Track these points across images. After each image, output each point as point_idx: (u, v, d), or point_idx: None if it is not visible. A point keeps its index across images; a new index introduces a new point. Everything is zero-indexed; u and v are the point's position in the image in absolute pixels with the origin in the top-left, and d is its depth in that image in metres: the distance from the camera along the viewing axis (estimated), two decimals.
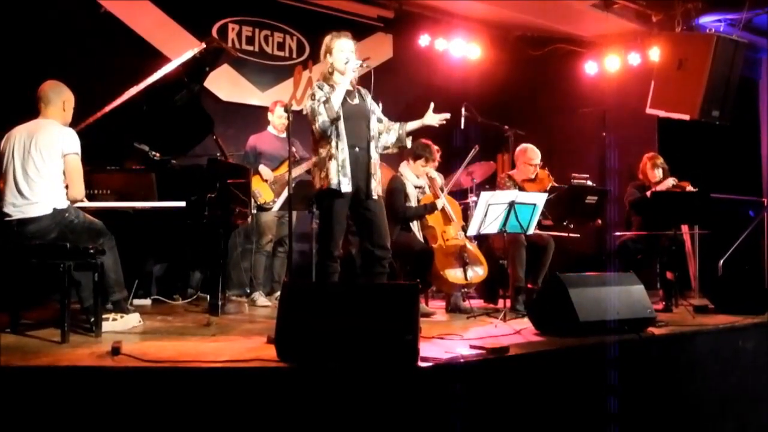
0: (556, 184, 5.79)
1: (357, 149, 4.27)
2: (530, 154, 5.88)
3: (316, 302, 3.29)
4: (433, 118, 4.39)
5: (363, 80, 4.40)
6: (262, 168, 5.92)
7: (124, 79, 4.90)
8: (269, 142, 6.08)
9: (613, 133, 8.02)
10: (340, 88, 4.23)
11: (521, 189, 5.62)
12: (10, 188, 4.11)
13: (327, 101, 4.17)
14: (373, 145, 4.34)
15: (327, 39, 4.36)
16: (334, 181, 4.18)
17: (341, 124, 4.22)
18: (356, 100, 4.36)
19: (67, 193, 4.18)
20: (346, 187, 4.20)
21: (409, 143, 4.50)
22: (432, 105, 4.40)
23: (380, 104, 4.51)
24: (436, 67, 7.90)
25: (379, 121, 4.44)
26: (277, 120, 6.05)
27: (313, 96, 4.25)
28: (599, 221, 6.05)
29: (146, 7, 6.38)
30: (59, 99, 4.24)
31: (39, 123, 4.20)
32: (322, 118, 4.17)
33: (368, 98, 4.42)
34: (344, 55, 4.28)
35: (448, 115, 4.42)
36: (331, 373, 3.07)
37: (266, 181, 5.91)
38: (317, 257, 4.43)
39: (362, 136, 4.30)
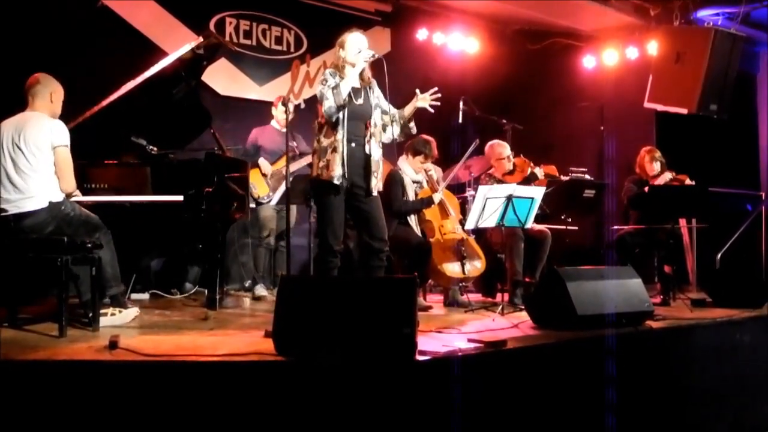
0: (535, 167, 5.77)
1: (353, 145, 4.26)
2: (498, 149, 5.88)
3: (314, 296, 3.29)
4: (424, 100, 4.39)
5: (375, 71, 4.39)
6: (261, 161, 5.92)
7: (121, 74, 4.87)
8: (270, 137, 6.07)
9: (611, 127, 8.02)
10: (351, 76, 4.27)
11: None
12: (3, 184, 4.08)
13: (336, 87, 4.19)
14: (374, 141, 4.33)
15: (342, 36, 4.40)
16: (336, 173, 4.17)
17: (345, 120, 4.21)
18: (360, 100, 4.32)
19: (59, 186, 4.16)
20: (344, 181, 4.20)
21: (414, 129, 4.54)
22: (418, 90, 4.41)
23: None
24: (434, 62, 7.86)
25: (385, 113, 4.44)
26: (280, 115, 6.02)
27: (324, 81, 4.27)
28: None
29: (143, 1, 6.35)
30: (47, 91, 4.20)
31: (26, 116, 4.15)
32: (329, 103, 4.18)
33: (372, 95, 4.41)
34: (356, 47, 4.32)
35: (436, 91, 4.40)
36: (329, 367, 3.08)
37: (265, 175, 5.90)
38: (318, 252, 4.41)
39: (360, 134, 4.30)
